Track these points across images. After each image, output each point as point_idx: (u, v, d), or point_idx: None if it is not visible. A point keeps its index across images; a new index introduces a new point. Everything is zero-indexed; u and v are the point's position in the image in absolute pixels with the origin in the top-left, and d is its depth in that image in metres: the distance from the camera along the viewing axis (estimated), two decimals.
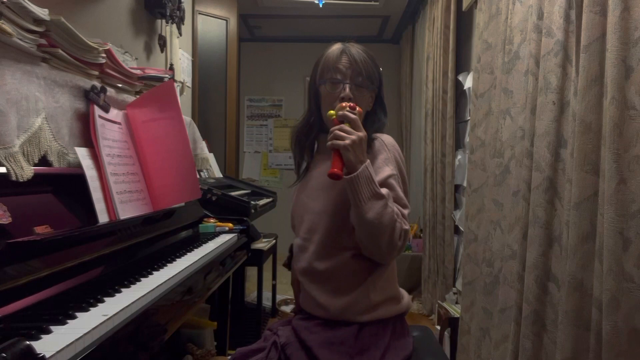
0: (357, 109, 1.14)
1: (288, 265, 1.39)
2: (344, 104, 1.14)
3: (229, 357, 1.23)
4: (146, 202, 1.52)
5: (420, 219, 4.07)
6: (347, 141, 1.07)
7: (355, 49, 1.23)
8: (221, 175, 2.93)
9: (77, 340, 0.78)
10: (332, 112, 1.15)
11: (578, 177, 1.39)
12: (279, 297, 3.44)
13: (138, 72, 1.73)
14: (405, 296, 1.28)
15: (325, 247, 1.19)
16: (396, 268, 1.29)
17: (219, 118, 3.56)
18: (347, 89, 1.19)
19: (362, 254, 1.17)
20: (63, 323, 0.85)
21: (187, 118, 2.31)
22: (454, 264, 3.17)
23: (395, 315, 1.22)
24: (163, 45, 2.48)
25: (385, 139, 1.22)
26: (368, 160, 1.10)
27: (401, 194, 1.16)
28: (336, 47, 1.24)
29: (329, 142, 1.10)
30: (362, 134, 1.10)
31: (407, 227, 1.12)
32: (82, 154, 1.29)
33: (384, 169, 1.16)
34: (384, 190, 1.09)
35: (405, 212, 1.14)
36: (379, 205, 1.07)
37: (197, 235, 1.84)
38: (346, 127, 1.10)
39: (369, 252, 1.15)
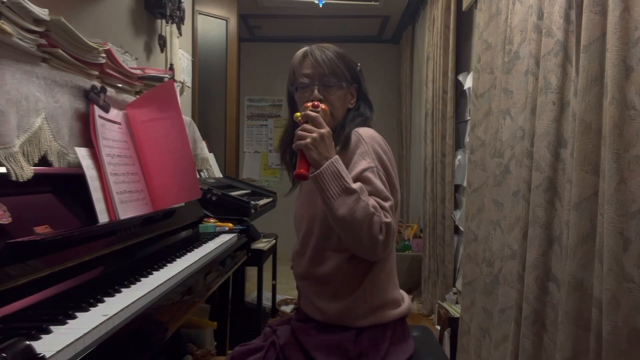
0: (321, 106, 1.14)
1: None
2: (307, 104, 1.15)
3: (228, 356, 1.23)
4: (146, 202, 1.52)
5: (420, 219, 4.06)
6: (308, 140, 1.06)
7: (319, 49, 1.22)
8: (221, 175, 2.93)
9: (77, 340, 0.78)
10: (297, 114, 1.16)
11: (578, 177, 1.39)
12: (279, 297, 3.44)
13: (138, 72, 1.73)
14: (406, 299, 1.27)
15: (320, 251, 1.19)
16: (396, 271, 1.27)
17: (219, 118, 3.56)
18: (316, 91, 1.19)
19: (358, 256, 1.15)
20: (63, 323, 0.85)
21: (187, 118, 2.31)
22: (454, 264, 3.17)
23: (395, 319, 1.20)
24: (163, 45, 2.48)
25: (363, 132, 1.18)
26: (336, 156, 1.08)
27: (380, 186, 1.11)
28: (300, 52, 1.25)
29: (294, 144, 1.09)
30: (324, 130, 1.08)
31: (388, 219, 1.07)
32: (82, 154, 1.29)
33: (360, 163, 1.13)
34: (356, 185, 1.06)
35: (387, 204, 1.09)
36: (350, 200, 1.04)
37: (197, 235, 1.84)
38: (308, 125, 1.09)
39: (353, 249, 1.12)
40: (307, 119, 1.11)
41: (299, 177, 1.07)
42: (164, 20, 2.45)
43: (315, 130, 1.07)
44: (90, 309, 0.93)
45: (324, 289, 1.19)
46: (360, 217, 1.03)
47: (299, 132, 1.09)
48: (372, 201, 1.07)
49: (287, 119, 1.32)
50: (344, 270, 1.17)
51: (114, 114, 1.50)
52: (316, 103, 1.14)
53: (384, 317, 1.18)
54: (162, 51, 2.50)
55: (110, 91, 1.51)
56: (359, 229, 1.04)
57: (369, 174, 1.11)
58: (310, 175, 1.06)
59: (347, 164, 1.13)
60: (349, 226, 1.05)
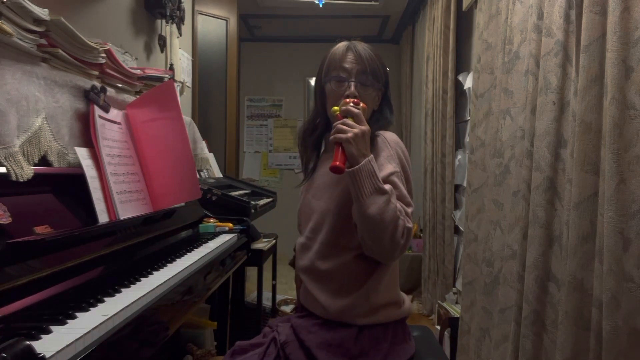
0: (361, 104, 1.14)
1: (293, 264, 1.39)
2: (347, 100, 1.15)
3: (228, 350, 1.23)
4: (146, 202, 1.52)
5: (420, 219, 4.06)
6: (350, 134, 1.06)
7: (362, 47, 1.22)
8: (221, 175, 2.93)
9: (77, 340, 0.78)
10: (335, 107, 1.16)
11: (578, 177, 1.39)
12: (279, 297, 3.44)
13: (138, 72, 1.73)
14: (407, 301, 1.27)
15: (328, 247, 1.19)
16: (398, 272, 1.27)
17: (219, 118, 3.56)
18: (353, 87, 1.18)
19: (365, 255, 1.15)
20: (63, 323, 0.85)
21: (187, 118, 2.31)
22: (454, 264, 3.17)
23: (395, 320, 1.21)
24: (163, 45, 2.48)
25: (388, 136, 1.20)
26: (371, 155, 1.09)
27: (404, 191, 1.14)
28: (342, 45, 1.23)
29: (332, 136, 1.09)
30: (365, 127, 1.09)
31: (410, 225, 1.09)
32: (82, 154, 1.29)
33: (387, 166, 1.14)
34: (387, 186, 1.08)
35: (409, 210, 1.12)
36: (382, 201, 1.05)
37: (197, 235, 1.84)
38: (349, 121, 1.09)
39: (371, 251, 1.13)
40: (348, 114, 1.10)
41: (335, 171, 1.06)
42: (164, 20, 2.45)
43: (356, 126, 1.08)
44: (90, 309, 0.93)
45: (327, 285, 1.19)
46: (388, 219, 1.04)
47: (340, 125, 1.08)
48: (398, 205, 1.08)
49: (314, 109, 1.31)
50: (350, 268, 1.17)
51: (114, 114, 1.50)
52: (357, 100, 1.14)
53: (385, 317, 1.18)
54: (162, 51, 2.50)
55: (110, 91, 1.51)
56: (385, 230, 1.05)
57: (395, 178, 1.13)
58: (347, 170, 1.06)
59: None
60: (376, 226, 1.05)
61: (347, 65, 1.20)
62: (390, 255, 1.11)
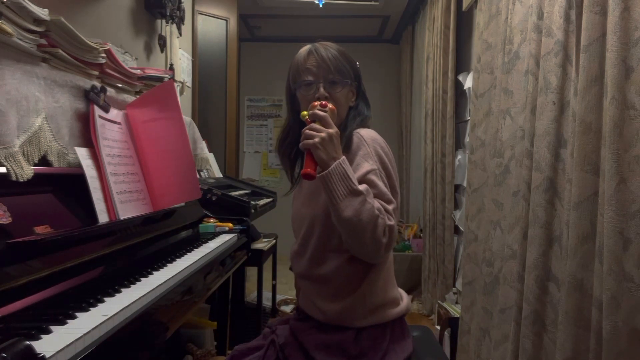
0: (329, 106, 1.13)
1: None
2: (315, 103, 1.14)
3: (228, 355, 1.22)
4: (146, 202, 1.52)
5: (420, 219, 4.06)
6: (317, 139, 1.05)
7: (323, 47, 1.21)
8: (221, 175, 2.93)
9: (77, 340, 0.78)
10: (304, 112, 1.15)
11: (578, 177, 1.39)
12: (279, 297, 3.44)
13: (138, 72, 1.73)
14: (405, 297, 1.27)
15: (320, 252, 1.18)
16: (393, 269, 1.27)
17: (219, 118, 3.56)
18: (321, 88, 1.18)
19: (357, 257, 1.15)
20: (63, 323, 0.85)
21: (187, 118, 2.31)
22: (454, 264, 3.17)
23: (394, 319, 1.20)
24: (163, 45, 2.48)
25: (365, 134, 1.17)
26: (343, 157, 1.07)
27: (383, 189, 1.11)
28: (304, 49, 1.23)
29: (301, 143, 1.08)
30: (332, 130, 1.07)
31: (391, 222, 1.07)
32: (82, 154, 1.29)
33: (363, 165, 1.12)
34: (362, 187, 1.06)
35: (390, 207, 1.09)
36: (357, 202, 1.03)
37: (197, 235, 1.84)
38: (316, 125, 1.08)
39: (356, 252, 1.12)
40: (315, 118, 1.10)
41: (306, 177, 1.05)
42: (164, 20, 2.45)
43: (323, 130, 1.06)
44: (90, 309, 0.93)
45: (324, 289, 1.19)
46: (365, 219, 1.03)
47: (307, 131, 1.07)
48: (376, 204, 1.06)
49: (287, 117, 1.31)
50: (344, 271, 1.16)
51: (114, 114, 1.50)
52: (324, 102, 1.13)
53: (384, 317, 1.18)
54: (162, 51, 2.50)
55: (110, 91, 1.51)
56: (364, 231, 1.04)
57: (372, 177, 1.11)
58: (318, 175, 1.05)
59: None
60: (354, 228, 1.04)
61: (312, 68, 1.19)
62: (375, 254, 1.09)
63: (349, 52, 1.27)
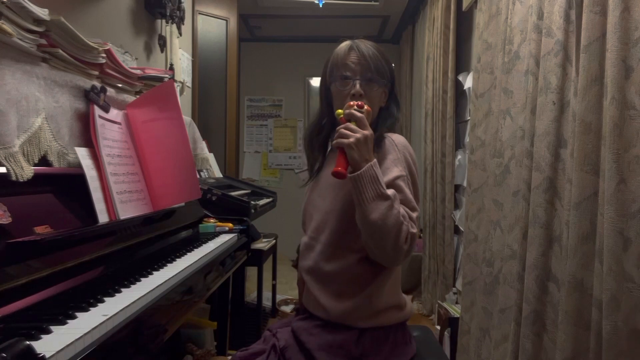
0: (365, 107, 1.13)
1: (296, 265, 1.38)
2: (351, 103, 1.14)
3: (229, 359, 1.22)
4: (146, 202, 1.52)
5: (420, 219, 4.06)
6: (352, 139, 1.06)
7: (365, 45, 1.22)
8: (221, 175, 2.93)
9: (77, 340, 0.78)
10: (339, 111, 1.15)
11: (578, 177, 1.39)
12: (279, 297, 3.44)
13: (138, 72, 1.73)
14: (408, 303, 1.27)
15: (332, 248, 1.18)
16: (400, 275, 1.27)
17: (219, 118, 3.56)
18: (358, 85, 1.18)
19: (369, 258, 1.15)
20: (63, 323, 0.85)
21: (187, 118, 2.31)
22: (454, 264, 3.17)
23: (397, 323, 1.20)
24: (163, 45, 2.48)
25: (396, 139, 1.19)
26: (375, 160, 1.08)
27: (410, 196, 1.12)
28: (345, 44, 1.23)
29: (335, 141, 1.09)
30: (367, 132, 1.08)
31: (414, 230, 1.08)
32: (82, 154, 1.29)
33: (392, 170, 1.13)
34: (390, 191, 1.07)
35: (414, 214, 1.10)
36: (384, 206, 1.04)
37: (197, 235, 1.84)
38: (352, 125, 1.09)
39: (374, 255, 1.12)
40: (351, 118, 1.10)
41: (338, 176, 1.05)
42: (164, 20, 2.45)
43: (359, 131, 1.07)
44: (90, 309, 0.93)
45: (329, 287, 1.18)
46: (390, 224, 1.03)
47: (343, 130, 1.08)
48: (402, 210, 1.07)
49: (320, 110, 1.31)
50: (353, 271, 1.16)
51: (114, 114, 1.50)
52: (360, 103, 1.13)
53: (387, 320, 1.18)
54: (162, 51, 2.50)
55: (110, 91, 1.51)
56: (387, 235, 1.04)
57: (401, 182, 1.12)
58: (349, 176, 1.06)
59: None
60: (378, 231, 1.05)
61: (350, 64, 1.19)
62: (394, 260, 1.10)
63: None
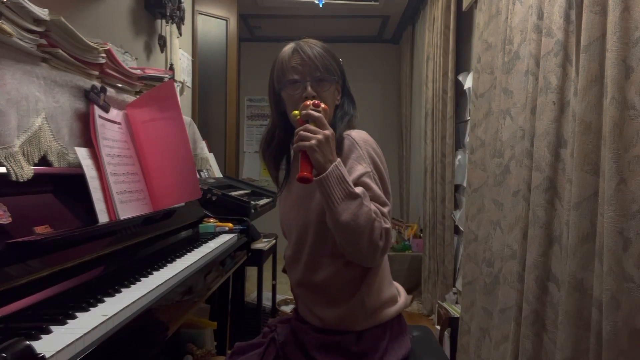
0: (322, 106, 1.09)
1: (286, 271, 1.38)
2: (307, 102, 1.09)
3: (229, 352, 1.22)
4: (146, 202, 1.52)
5: (420, 219, 4.06)
6: (313, 141, 1.01)
7: (308, 45, 1.17)
8: (221, 175, 2.93)
9: (77, 340, 0.78)
10: (296, 112, 1.10)
11: (578, 177, 1.39)
12: (279, 297, 3.44)
13: (138, 72, 1.73)
14: (402, 293, 1.25)
15: (315, 258, 1.16)
16: (389, 267, 1.25)
17: (219, 118, 3.56)
18: (309, 87, 1.13)
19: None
20: (63, 323, 0.85)
21: (187, 118, 2.31)
22: (454, 264, 3.17)
23: (393, 317, 1.19)
24: (163, 45, 2.48)
25: (356, 135, 1.14)
26: (339, 159, 1.04)
27: (378, 191, 1.08)
28: (288, 47, 1.18)
29: (295, 144, 1.04)
30: (328, 132, 1.04)
31: (387, 225, 1.05)
32: (82, 154, 1.29)
33: (356, 168, 1.09)
34: (359, 189, 1.03)
35: (385, 209, 1.07)
36: (354, 206, 1.01)
37: (197, 235, 1.84)
38: (311, 126, 1.04)
39: (351, 256, 1.09)
40: (309, 119, 1.06)
41: (303, 181, 1.01)
42: (164, 20, 2.45)
43: (319, 132, 1.03)
44: (90, 309, 0.93)
45: (321, 296, 1.17)
46: (363, 223, 1.01)
47: (302, 132, 1.03)
48: (373, 207, 1.04)
49: (271, 118, 1.26)
50: (341, 276, 1.14)
51: (114, 114, 1.50)
52: (317, 102, 1.09)
53: (384, 317, 1.17)
54: (162, 51, 2.50)
55: (110, 91, 1.51)
56: (361, 235, 1.02)
57: (366, 179, 1.08)
58: (315, 179, 1.02)
59: None
60: (351, 232, 1.02)
61: (297, 67, 1.15)
62: (372, 259, 1.08)
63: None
